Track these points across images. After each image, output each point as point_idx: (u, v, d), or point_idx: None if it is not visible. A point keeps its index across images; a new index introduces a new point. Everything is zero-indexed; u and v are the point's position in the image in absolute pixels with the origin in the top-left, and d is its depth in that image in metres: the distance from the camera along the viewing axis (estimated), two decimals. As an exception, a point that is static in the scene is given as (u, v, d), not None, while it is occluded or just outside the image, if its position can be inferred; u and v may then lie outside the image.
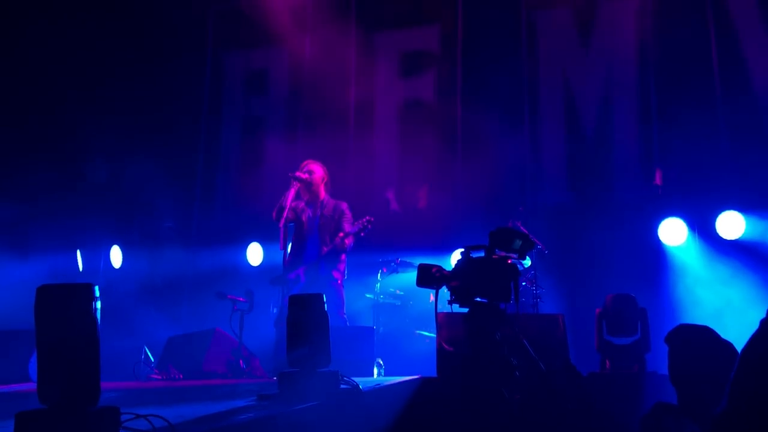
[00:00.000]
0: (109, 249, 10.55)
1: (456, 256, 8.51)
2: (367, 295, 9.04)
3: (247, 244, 10.15)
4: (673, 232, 8.84)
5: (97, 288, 3.23)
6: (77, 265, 10.40)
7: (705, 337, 3.75)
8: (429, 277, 4.99)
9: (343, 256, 7.69)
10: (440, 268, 4.99)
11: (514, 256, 4.98)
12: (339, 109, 10.65)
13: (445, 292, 4.91)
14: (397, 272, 9.09)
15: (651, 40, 9.52)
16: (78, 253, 10.43)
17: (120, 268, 10.51)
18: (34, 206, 10.12)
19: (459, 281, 4.86)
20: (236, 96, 11.49)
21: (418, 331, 8.78)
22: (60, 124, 10.50)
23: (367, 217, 7.42)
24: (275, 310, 7.71)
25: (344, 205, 7.81)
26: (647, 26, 9.54)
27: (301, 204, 7.78)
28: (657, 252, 8.92)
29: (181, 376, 6.87)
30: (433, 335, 7.77)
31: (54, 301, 3.15)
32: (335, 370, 4.80)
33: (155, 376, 7.09)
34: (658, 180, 9.26)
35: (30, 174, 10.22)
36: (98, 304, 3.20)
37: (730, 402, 2.19)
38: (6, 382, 6.13)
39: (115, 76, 10.74)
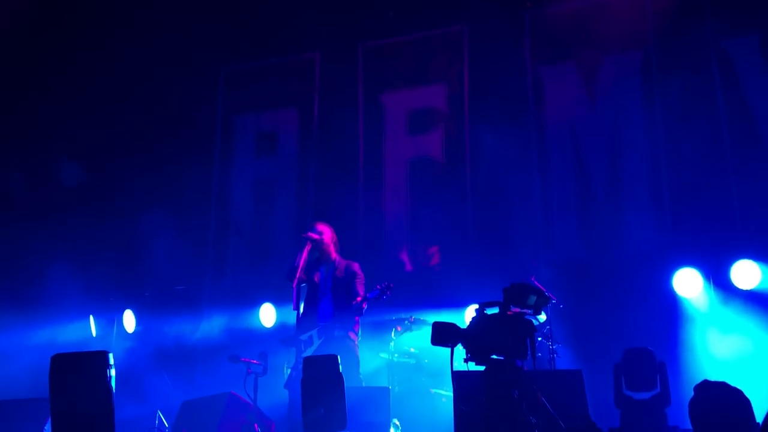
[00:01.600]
0: (122, 314, 10.53)
1: (470, 312, 8.46)
2: (382, 355, 8.95)
3: (260, 306, 10.12)
4: (687, 282, 8.75)
5: (111, 355, 3.23)
6: (90, 331, 10.38)
7: (718, 392, 3.71)
8: (443, 335, 4.94)
9: (357, 317, 7.67)
10: (455, 326, 4.95)
11: (529, 312, 4.94)
12: (348, 168, 10.73)
13: (460, 350, 4.87)
14: (411, 330, 9.01)
15: (657, 91, 9.58)
16: (91, 318, 10.42)
17: (133, 332, 10.49)
18: (47, 271, 10.16)
19: (474, 339, 4.81)
20: (246, 157, 11.61)
21: (433, 390, 8.67)
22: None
23: (386, 283, 7.43)
24: (288, 370, 7.66)
25: (356, 266, 7.83)
26: (653, 78, 9.61)
27: (313, 264, 7.78)
28: (672, 303, 8.82)
29: (196, 442, 6.80)
30: (450, 393, 7.66)
31: (68, 370, 3.14)
32: (351, 432, 4.75)
33: (170, 443, 7.02)
34: None
35: (44, 237, 10.30)
36: (113, 372, 3.19)
37: None
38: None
39: (126, 139, 10.90)
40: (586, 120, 9.87)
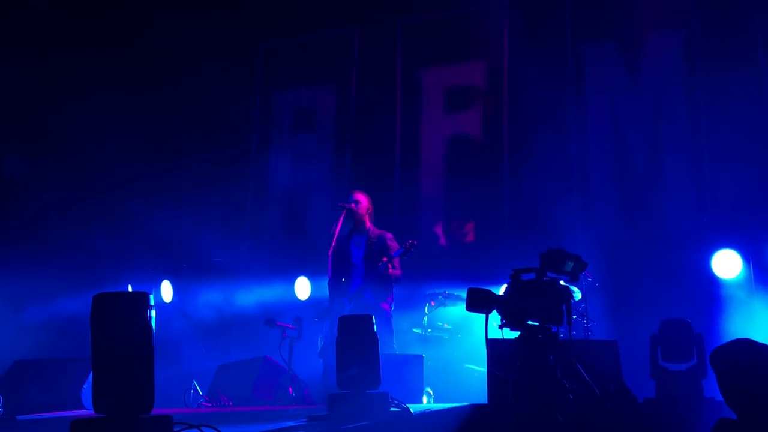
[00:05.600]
0: (160, 284, 10.67)
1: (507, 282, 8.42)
2: (415, 330, 8.97)
3: (295, 279, 10.19)
4: (726, 264, 8.64)
5: (152, 297, 3.27)
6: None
7: (743, 349, 3.66)
8: (479, 301, 4.95)
9: (392, 288, 7.67)
10: (490, 292, 4.95)
11: (566, 278, 4.92)
12: (385, 145, 10.74)
13: (495, 316, 4.86)
14: (445, 305, 9.03)
15: (700, 71, 9.44)
16: (129, 287, 10.56)
17: (170, 302, 10.63)
18: (88, 242, 10.30)
19: (510, 304, 4.81)
20: (284, 133, 11.67)
21: (466, 365, 8.68)
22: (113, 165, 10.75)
23: (410, 240, 7.43)
24: (321, 343, 7.72)
25: (389, 236, 7.81)
26: (696, 58, 9.48)
27: (347, 234, 7.81)
28: (711, 285, 8.72)
29: (231, 403, 6.88)
30: (483, 369, 7.66)
31: (110, 309, 3.19)
32: (385, 391, 4.77)
33: (205, 404, 7.11)
34: None
35: (85, 213, 10.45)
36: (153, 312, 3.23)
37: None
38: (60, 408, 6.20)
39: (165, 114, 11.01)
40: (627, 97, 9.76)
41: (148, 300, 3.22)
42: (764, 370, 3.51)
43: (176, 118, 11.26)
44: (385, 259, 7.40)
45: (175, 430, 3.28)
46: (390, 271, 7.41)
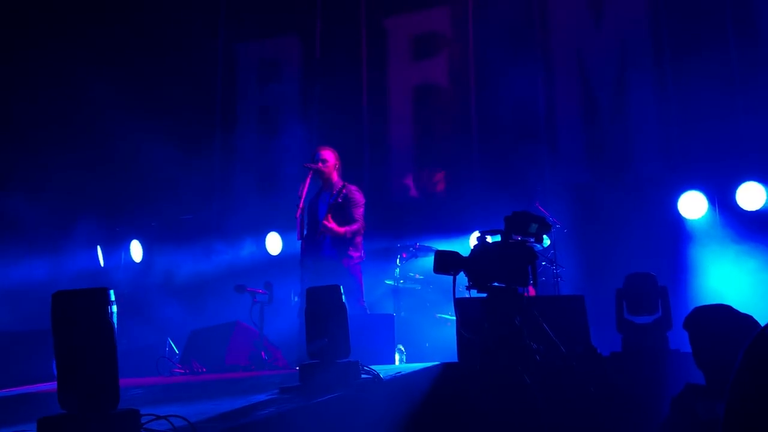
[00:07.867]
0: (129, 244, 10.60)
1: (475, 238, 8.49)
2: (387, 282, 9.03)
3: (266, 234, 10.17)
4: (692, 205, 8.74)
5: (112, 292, 3.24)
6: (98, 261, 10.47)
7: (722, 315, 3.71)
8: (446, 264, 4.97)
9: (358, 239, 7.55)
10: (457, 254, 4.97)
11: (531, 240, 4.95)
12: (352, 95, 10.62)
13: (463, 277, 4.90)
14: (417, 257, 9.08)
15: (664, 11, 9.39)
16: (98, 249, 10.49)
17: (140, 262, 10.58)
18: (56, 203, 10.18)
19: (476, 266, 4.84)
20: (250, 86, 11.49)
21: (438, 315, 8.78)
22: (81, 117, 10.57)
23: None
24: (296, 299, 7.73)
25: (353, 189, 7.58)
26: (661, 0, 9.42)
27: (315, 193, 7.75)
28: (677, 226, 8.83)
29: (204, 370, 6.92)
30: (454, 318, 7.74)
31: (70, 307, 3.17)
32: (355, 360, 4.82)
33: (178, 370, 7.14)
34: None
35: (50, 171, 10.29)
36: (114, 308, 3.22)
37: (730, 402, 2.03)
38: (31, 382, 6.19)
39: (125, 70, 10.79)
40: (593, 41, 9.72)
41: (108, 296, 3.20)
42: (738, 338, 3.56)
43: (137, 72, 11.02)
44: (328, 217, 7.29)
45: (142, 422, 3.30)
46: (340, 228, 7.29)
